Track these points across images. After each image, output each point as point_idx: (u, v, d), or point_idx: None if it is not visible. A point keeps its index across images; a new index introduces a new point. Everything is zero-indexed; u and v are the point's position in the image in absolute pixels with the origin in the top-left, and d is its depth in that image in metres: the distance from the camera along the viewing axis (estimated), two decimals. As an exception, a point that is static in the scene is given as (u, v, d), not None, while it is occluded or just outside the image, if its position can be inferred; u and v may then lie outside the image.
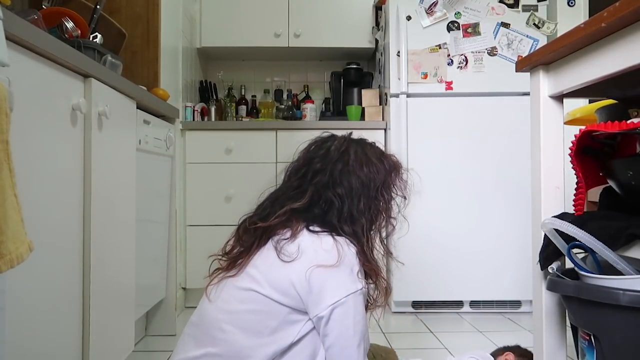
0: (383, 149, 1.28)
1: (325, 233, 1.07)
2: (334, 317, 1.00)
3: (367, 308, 1.13)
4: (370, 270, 1.09)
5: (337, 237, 1.06)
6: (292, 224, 1.08)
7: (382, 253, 1.18)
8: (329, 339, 1.02)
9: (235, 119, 3.18)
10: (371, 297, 1.15)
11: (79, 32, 1.73)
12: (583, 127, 1.16)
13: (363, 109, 2.94)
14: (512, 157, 2.57)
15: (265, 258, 1.06)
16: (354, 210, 1.10)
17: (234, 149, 2.74)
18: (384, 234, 1.20)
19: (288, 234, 1.06)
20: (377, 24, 3.09)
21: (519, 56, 2.59)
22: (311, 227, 1.08)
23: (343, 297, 1.01)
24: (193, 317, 1.11)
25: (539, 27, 2.62)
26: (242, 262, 1.09)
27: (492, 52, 2.62)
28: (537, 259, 1.22)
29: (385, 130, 2.77)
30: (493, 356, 1.69)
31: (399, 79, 2.58)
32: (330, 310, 1.00)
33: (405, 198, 1.24)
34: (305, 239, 1.06)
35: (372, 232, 1.14)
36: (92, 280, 1.35)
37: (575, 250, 1.07)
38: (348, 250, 1.05)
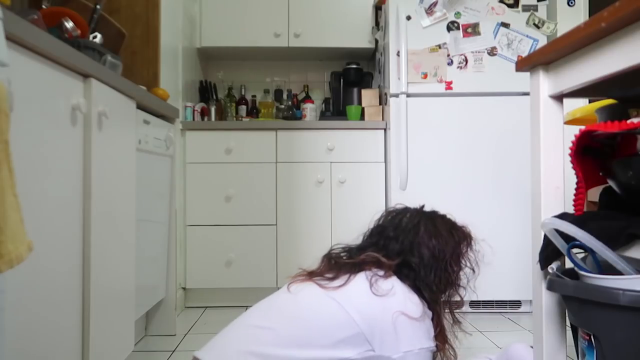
0: (454, 221, 1.40)
1: (413, 290, 1.19)
2: None
3: None
4: (439, 337, 1.21)
5: (422, 299, 1.19)
6: (383, 266, 1.21)
7: (450, 322, 1.28)
8: None
9: (235, 119, 3.18)
10: None
11: (79, 32, 1.73)
12: (583, 127, 1.16)
13: (363, 108, 2.94)
14: (512, 157, 2.57)
15: (355, 286, 1.16)
16: (427, 279, 1.21)
17: (234, 149, 2.74)
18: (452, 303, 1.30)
19: (381, 273, 1.18)
20: (377, 23, 3.09)
21: (518, 56, 2.59)
22: (402, 278, 1.20)
23: (417, 348, 1.11)
24: (262, 303, 1.22)
25: (538, 27, 2.62)
26: (334, 281, 1.20)
27: (492, 52, 2.62)
28: (537, 258, 1.22)
29: (385, 130, 2.78)
30: None
31: (399, 78, 2.58)
32: (402, 355, 1.11)
33: (474, 270, 1.32)
34: (397, 284, 1.17)
35: (443, 301, 1.24)
36: (92, 280, 1.35)
37: (575, 250, 1.07)
38: (428, 312, 1.18)
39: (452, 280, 1.25)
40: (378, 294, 1.13)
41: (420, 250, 1.23)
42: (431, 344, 1.15)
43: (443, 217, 1.35)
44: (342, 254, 1.30)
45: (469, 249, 1.31)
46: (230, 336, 1.17)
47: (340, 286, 1.16)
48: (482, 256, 1.34)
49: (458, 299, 1.29)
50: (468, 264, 1.29)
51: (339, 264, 1.26)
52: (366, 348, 1.13)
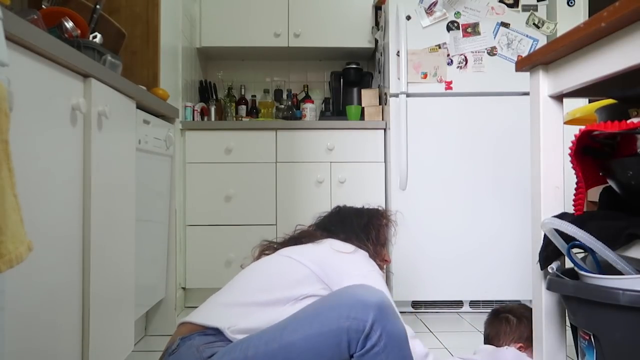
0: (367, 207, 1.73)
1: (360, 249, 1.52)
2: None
3: None
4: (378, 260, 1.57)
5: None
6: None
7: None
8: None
9: (235, 118, 3.18)
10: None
11: (79, 32, 1.72)
12: (583, 127, 1.16)
13: (363, 108, 2.94)
14: (512, 157, 2.57)
15: (309, 247, 1.46)
16: (362, 240, 1.56)
17: (233, 149, 2.74)
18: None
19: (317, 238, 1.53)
20: (377, 23, 3.09)
21: (518, 56, 2.59)
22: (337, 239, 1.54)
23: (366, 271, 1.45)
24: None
25: (538, 27, 2.62)
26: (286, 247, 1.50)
27: (491, 52, 2.62)
28: (537, 258, 1.22)
29: (384, 130, 2.78)
30: (494, 338, 1.64)
31: (399, 78, 2.58)
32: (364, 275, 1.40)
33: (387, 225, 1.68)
34: (346, 246, 1.50)
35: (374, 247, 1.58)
36: (91, 280, 1.35)
37: (575, 250, 1.07)
38: (362, 252, 1.51)
39: (372, 238, 1.59)
40: (339, 250, 1.44)
41: (351, 225, 1.59)
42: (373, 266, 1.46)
43: (357, 208, 1.71)
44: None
45: (380, 217, 1.66)
46: (209, 300, 1.35)
47: (288, 251, 1.44)
48: (395, 222, 1.70)
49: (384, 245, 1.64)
50: (382, 226, 1.64)
51: (293, 238, 1.56)
52: (321, 286, 1.33)
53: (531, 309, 1.45)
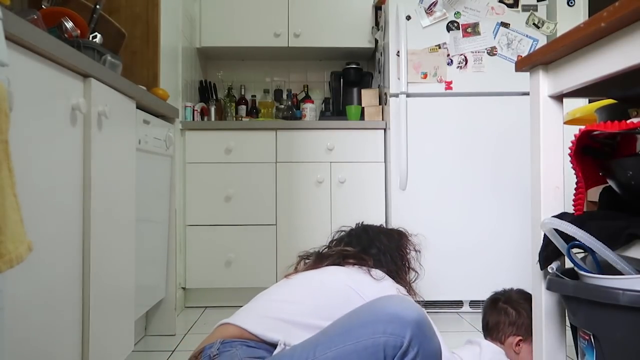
0: (392, 227, 1.77)
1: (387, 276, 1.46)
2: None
3: None
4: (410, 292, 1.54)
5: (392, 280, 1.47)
6: (364, 261, 1.48)
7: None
8: None
9: (235, 118, 3.18)
10: None
11: (79, 32, 1.72)
12: (583, 127, 1.16)
13: (363, 108, 2.94)
14: (512, 157, 2.57)
15: (354, 273, 1.42)
16: (392, 267, 1.52)
17: (233, 149, 2.74)
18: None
19: (365, 264, 1.47)
20: (377, 23, 3.09)
21: (518, 56, 2.59)
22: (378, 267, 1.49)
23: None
24: (279, 285, 1.41)
25: (538, 27, 2.62)
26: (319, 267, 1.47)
27: (491, 52, 2.62)
28: (537, 258, 1.22)
29: (384, 130, 2.78)
30: (493, 328, 1.64)
31: (399, 78, 2.58)
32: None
33: (417, 251, 1.65)
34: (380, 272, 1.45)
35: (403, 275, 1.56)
36: (91, 280, 1.35)
37: (574, 250, 1.07)
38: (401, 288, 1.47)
39: (405, 264, 1.58)
40: (377, 278, 1.39)
41: (382, 249, 1.56)
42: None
43: (385, 228, 1.72)
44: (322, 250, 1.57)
45: (408, 243, 1.65)
46: (257, 307, 1.30)
47: (339, 273, 1.42)
48: (419, 245, 1.66)
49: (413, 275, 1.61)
50: (411, 252, 1.63)
51: (325, 255, 1.52)
52: None
53: (529, 294, 1.46)
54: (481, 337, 1.65)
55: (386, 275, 1.44)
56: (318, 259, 1.51)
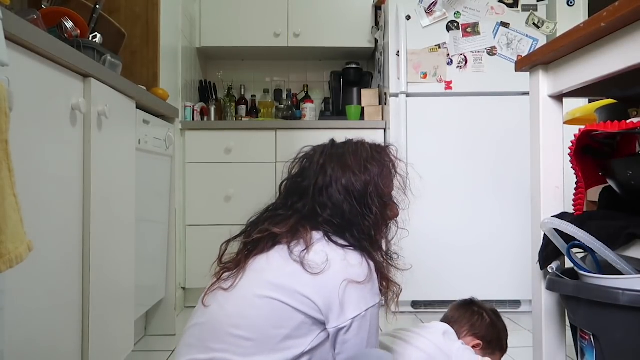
0: (372, 144, 1.24)
1: (350, 248, 1.04)
2: (353, 329, 1.01)
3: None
4: (383, 279, 1.10)
5: (362, 252, 1.05)
6: (300, 234, 1.04)
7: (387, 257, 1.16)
8: (344, 350, 1.02)
9: (234, 118, 3.18)
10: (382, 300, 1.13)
11: (79, 31, 1.72)
12: (583, 127, 1.16)
13: (362, 108, 2.94)
14: (512, 157, 2.57)
15: (281, 266, 1.01)
16: (355, 229, 1.07)
17: (233, 148, 2.74)
18: (388, 238, 1.20)
19: (302, 244, 1.02)
20: (377, 23, 3.09)
21: (518, 56, 2.59)
22: (333, 239, 1.05)
23: (364, 310, 1.01)
24: (198, 319, 1.05)
25: (538, 27, 2.62)
26: (243, 265, 1.05)
27: (491, 51, 2.62)
28: (537, 258, 1.22)
29: (384, 129, 2.77)
30: (455, 322, 1.51)
31: (399, 78, 2.58)
32: (350, 322, 1.00)
33: (403, 195, 1.20)
34: (330, 252, 1.01)
35: (379, 240, 1.12)
36: (91, 280, 1.35)
37: (574, 250, 1.07)
38: (372, 265, 1.05)
39: (381, 219, 1.11)
40: (316, 272, 0.98)
41: (334, 199, 1.07)
42: (376, 299, 1.04)
43: (356, 148, 1.19)
44: (264, 224, 1.13)
45: (393, 175, 1.16)
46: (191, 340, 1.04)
47: (262, 273, 1.02)
48: (410, 184, 1.21)
49: (391, 232, 1.20)
50: (395, 195, 1.16)
51: (252, 243, 1.10)
52: (318, 329, 1.00)
53: (502, 322, 1.51)
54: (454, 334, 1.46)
55: (339, 251, 1.02)
56: (245, 250, 1.10)
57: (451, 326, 1.47)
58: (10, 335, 0.98)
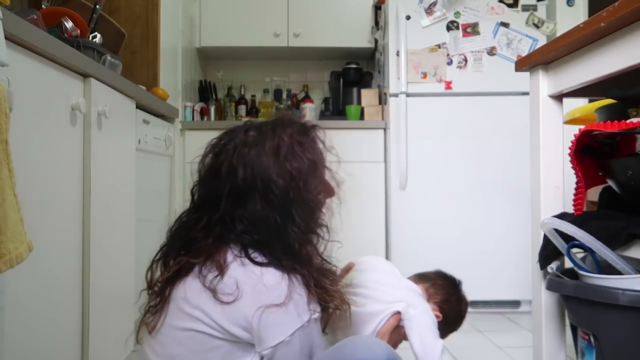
0: (291, 142, 0.97)
1: (266, 266, 0.91)
2: (279, 356, 0.90)
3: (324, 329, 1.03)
4: (322, 296, 0.95)
5: (283, 269, 0.91)
6: (214, 256, 0.92)
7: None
8: None
9: (234, 118, 3.18)
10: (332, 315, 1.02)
11: (79, 31, 1.72)
12: (582, 127, 1.16)
13: (362, 108, 2.94)
14: (512, 157, 2.57)
15: (196, 294, 0.91)
16: (273, 243, 0.93)
17: (233, 148, 2.73)
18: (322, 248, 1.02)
19: (215, 268, 0.90)
20: (377, 23, 3.09)
21: (518, 56, 2.59)
22: (251, 256, 0.92)
23: (288, 335, 0.89)
24: None
25: (538, 27, 2.62)
26: (166, 298, 0.96)
27: (491, 51, 2.62)
28: (537, 258, 1.22)
29: (384, 129, 2.77)
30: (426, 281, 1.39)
31: (399, 78, 2.58)
32: (272, 350, 0.90)
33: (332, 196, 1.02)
34: (242, 277, 0.89)
35: (307, 253, 0.96)
36: (91, 280, 1.35)
37: (574, 250, 1.07)
38: (296, 280, 0.91)
39: (306, 229, 0.95)
40: (227, 301, 0.88)
41: (249, 210, 0.93)
42: (305, 317, 0.91)
43: (273, 139, 0.96)
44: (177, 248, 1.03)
45: (321, 172, 1.00)
46: None
47: (180, 303, 0.93)
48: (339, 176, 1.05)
49: (322, 241, 1.01)
50: (321, 191, 1.00)
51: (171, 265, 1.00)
52: (249, 352, 0.92)
53: (463, 319, 1.44)
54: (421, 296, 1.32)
55: (254, 273, 0.89)
56: (165, 281, 0.98)
57: (427, 285, 1.36)
58: (10, 335, 0.98)
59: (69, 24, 1.69)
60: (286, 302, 0.88)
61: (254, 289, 0.88)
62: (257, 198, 0.93)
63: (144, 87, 1.93)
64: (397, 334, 1.19)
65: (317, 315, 0.93)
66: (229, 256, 0.92)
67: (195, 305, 0.90)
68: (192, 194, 1.06)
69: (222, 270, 0.90)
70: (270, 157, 0.94)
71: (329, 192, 1.07)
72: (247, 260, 0.91)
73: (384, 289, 1.24)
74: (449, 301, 1.37)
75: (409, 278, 1.38)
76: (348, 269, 1.31)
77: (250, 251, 0.92)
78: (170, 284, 0.96)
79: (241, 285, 0.88)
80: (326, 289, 0.96)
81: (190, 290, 0.92)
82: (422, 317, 1.21)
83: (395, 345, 1.19)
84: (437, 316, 1.29)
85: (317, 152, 1.02)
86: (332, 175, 1.07)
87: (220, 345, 0.91)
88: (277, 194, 0.92)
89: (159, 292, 0.98)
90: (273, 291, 0.89)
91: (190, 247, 0.97)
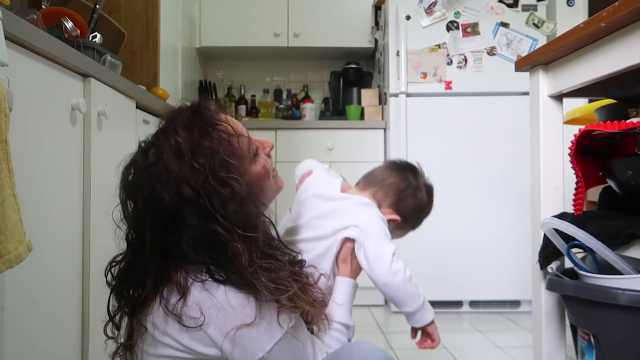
0: (190, 138, 0.86)
1: (228, 284, 0.82)
2: None
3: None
4: (292, 301, 0.85)
5: (244, 284, 0.82)
6: (172, 278, 0.85)
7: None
8: None
9: (234, 118, 3.17)
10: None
11: (79, 31, 1.72)
12: (582, 127, 1.16)
13: (362, 108, 2.94)
14: (512, 157, 2.57)
15: (162, 320, 0.85)
16: (221, 261, 0.83)
17: (233, 148, 2.74)
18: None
19: (176, 291, 0.83)
20: (377, 23, 3.09)
21: (518, 56, 2.59)
22: (214, 275, 0.83)
23: (266, 352, 0.84)
24: None
25: (538, 27, 2.62)
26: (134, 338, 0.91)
27: (491, 51, 2.62)
28: (537, 258, 1.22)
29: (384, 129, 2.77)
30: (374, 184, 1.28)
31: (399, 78, 2.58)
32: None
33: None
34: (205, 302, 0.82)
35: (257, 260, 0.84)
36: (91, 280, 1.35)
37: (574, 250, 1.07)
38: (263, 295, 0.83)
39: (243, 235, 0.83)
40: (193, 326, 0.81)
41: (180, 231, 0.84)
42: (282, 330, 0.84)
43: (172, 138, 0.86)
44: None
45: (233, 166, 0.86)
46: None
47: (149, 326, 0.88)
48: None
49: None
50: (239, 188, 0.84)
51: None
52: None
53: (432, 203, 1.33)
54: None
55: (217, 295, 0.82)
56: (130, 319, 0.94)
57: (374, 190, 1.25)
58: (10, 335, 0.98)
59: (69, 24, 1.69)
60: (257, 321, 0.82)
61: (220, 313, 0.81)
62: (190, 212, 0.82)
63: (144, 87, 1.93)
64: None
65: (292, 323, 0.87)
66: (189, 277, 0.84)
67: (164, 332, 0.85)
68: (126, 219, 0.95)
69: (184, 293, 0.82)
70: (178, 162, 0.83)
71: (261, 175, 0.96)
72: (208, 282, 0.83)
73: (322, 223, 1.19)
74: (403, 198, 1.24)
75: (357, 185, 1.31)
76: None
77: (209, 269, 0.84)
78: (135, 316, 0.90)
79: (205, 310, 0.81)
80: (294, 295, 0.86)
81: (156, 317, 0.86)
82: (365, 232, 1.14)
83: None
84: (393, 220, 1.21)
85: (222, 135, 0.89)
86: (255, 152, 0.95)
87: None
88: (192, 203, 0.82)
89: (129, 333, 0.93)
90: (241, 312, 0.81)
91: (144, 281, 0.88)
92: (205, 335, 0.82)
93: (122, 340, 0.94)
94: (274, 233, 0.93)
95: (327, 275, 1.10)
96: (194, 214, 0.82)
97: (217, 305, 0.81)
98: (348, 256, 1.15)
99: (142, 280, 0.89)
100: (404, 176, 1.28)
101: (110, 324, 0.95)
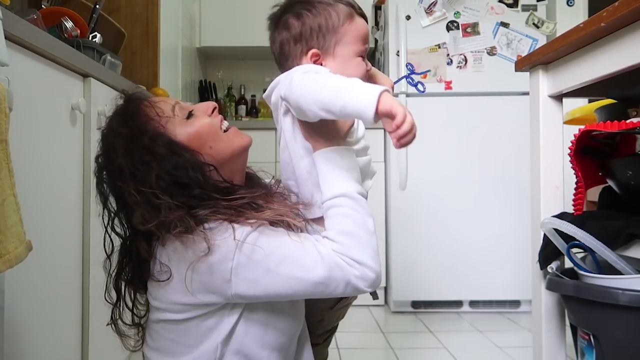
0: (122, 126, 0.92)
1: (179, 234, 0.85)
2: (242, 286, 0.86)
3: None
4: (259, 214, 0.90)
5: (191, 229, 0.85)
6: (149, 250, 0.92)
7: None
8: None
9: (234, 118, 3.18)
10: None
11: (79, 31, 1.72)
12: (582, 127, 1.16)
13: (362, 108, 2.94)
14: (512, 157, 2.57)
15: (150, 286, 0.94)
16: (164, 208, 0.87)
17: (233, 148, 2.74)
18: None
19: (151, 262, 0.92)
20: (377, 23, 3.09)
21: (518, 56, 2.59)
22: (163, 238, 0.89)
23: (230, 260, 0.84)
24: None
25: (538, 27, 2.62)
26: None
27: (491, 51, 2.62)
28: (537, 258, 1.22)
29: (384, 129, 2.77)
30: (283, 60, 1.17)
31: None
32: (234, 281, 0.85)
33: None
34: (163, 255, 0.89)
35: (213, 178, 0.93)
36: (91, 280, 1.35)
37: (574, 250, 1.07)
38: (213, 224, 0.87)
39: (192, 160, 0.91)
40: (162, 279, 0.88)
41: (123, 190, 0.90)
42: (247, 229, 0.86)
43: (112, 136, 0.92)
44: None
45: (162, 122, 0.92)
46: None
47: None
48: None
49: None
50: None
51: None
52: (219, 314, 0.90)
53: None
54: None
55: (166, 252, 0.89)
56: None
57: (282, 65, 1.15)
58: (10, 335, 0.98)
59: (69, 24, 1.69)
60: (212, 249, 0.83)
61: (176, 257, 0.86)
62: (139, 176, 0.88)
63: (144, 87, 1.93)
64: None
65: (254, 226, 0.87)
66: (153, 245, 0.91)
67: (155, 297, 0.93)
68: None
69: (150, 256, 0.91)
70: (121, 140, 0.90)
71: (199, 132, 0.97)
72: (162, 240, 0.88)
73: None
74: (293, 32, 1.10)
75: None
76: None
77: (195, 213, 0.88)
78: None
79: (166, 262, 0.87)
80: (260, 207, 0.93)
81: (149, 285, 0.95)
82: (280, 86, 1.08)
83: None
84: (314, 55, 1.09)
85: (147, 111, 0.93)
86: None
87: (190, 326, 0.91)
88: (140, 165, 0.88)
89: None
90: (193, 248, 0.84)
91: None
92: (179, 285, 0.86)
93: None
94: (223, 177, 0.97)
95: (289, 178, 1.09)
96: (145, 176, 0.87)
97: (173, 254, 0.87)
98: (296, 127, 1.06)
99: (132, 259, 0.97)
100: (277, 27, 1.15)
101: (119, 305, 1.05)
